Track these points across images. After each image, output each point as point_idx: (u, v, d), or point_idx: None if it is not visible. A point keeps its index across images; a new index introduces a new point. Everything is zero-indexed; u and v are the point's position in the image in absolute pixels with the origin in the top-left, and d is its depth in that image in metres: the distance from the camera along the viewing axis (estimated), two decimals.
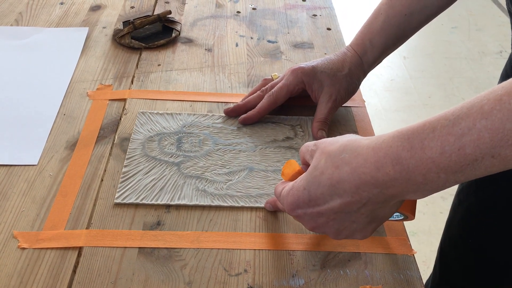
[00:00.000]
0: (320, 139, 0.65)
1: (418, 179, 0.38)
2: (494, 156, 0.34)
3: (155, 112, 0.67)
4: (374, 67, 0.70)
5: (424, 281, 0.73)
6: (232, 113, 0.67)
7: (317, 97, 0.67)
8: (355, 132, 0.67)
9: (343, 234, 0.45)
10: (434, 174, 0.37)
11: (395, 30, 0.66)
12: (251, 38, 0.85)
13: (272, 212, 0.55)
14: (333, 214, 0.43)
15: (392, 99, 2.12)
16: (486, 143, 0.34)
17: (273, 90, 0.66)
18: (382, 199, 0.41)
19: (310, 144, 0.47)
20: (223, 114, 0.68)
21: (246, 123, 0.66)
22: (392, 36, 0.66)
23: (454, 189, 0.81)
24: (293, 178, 0.48)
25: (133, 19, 0.83)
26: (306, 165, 0.48)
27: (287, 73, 0.67)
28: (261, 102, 0.66)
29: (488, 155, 0.34)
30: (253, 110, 0.66)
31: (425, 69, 2.32)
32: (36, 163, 0.60)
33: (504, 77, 0.74)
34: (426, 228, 1.56)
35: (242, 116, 0.66)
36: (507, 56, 2.50)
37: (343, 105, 0.71)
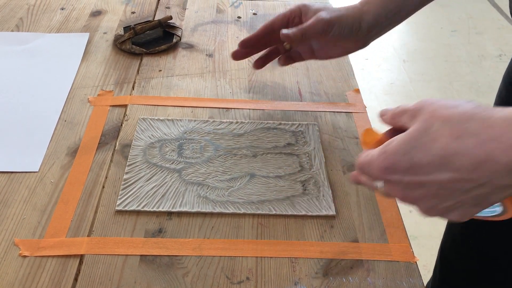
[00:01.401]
0: (285, 36, 0.64)
1: None
2: None
3: (156, 118, 0.67)
4: (377, 27, 0.65)
5: (425, 284, 0.73)
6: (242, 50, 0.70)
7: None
8: (357, 138, 0.67)
9: (438, 212, 0.40)
10: None
11: None
12: None
13: (274, 219, 0.55)
14: (436, 189, 0.38)
15: (392, 103, 2.12)
16: None
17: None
18: (505, 184, 0.36)
19: (407, 105, 0.41)
20: (224, 120, 0.68)
21: (244, 46, 0.69)
22: None
23: None
24: (376, 146, 0.43)
25: (134, 25, 0.83)
26: (397, 130, 0.42)
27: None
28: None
29: None
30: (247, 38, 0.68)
31: (425, 72, 2.32)
32: (37, 170, 0.59)
33: (506, 79, 0.74)
34: (426, 232, 1.56)
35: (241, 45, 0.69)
36: (506, 59, 2.50)
37: (345, 111, 0.71)
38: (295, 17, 0.66)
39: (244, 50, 0.70)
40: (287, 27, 0.66)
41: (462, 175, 0.36)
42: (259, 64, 0.72)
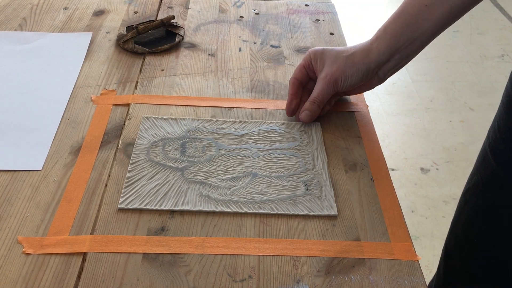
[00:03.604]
0: (303, 119, 0.67)
1: None
2: None
3: (159, 117, 0.68)
4: (391, 62, 0.64)
5: (427, 284, 0.73)
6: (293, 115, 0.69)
7: (317, 76, 0.67)
8: (359, 137, 0.67)
9: None
10: None
11: (412, 20, 0.61)
12: (254, 43, 0.85)
13: (276, 217, 0.55)
14: None
15: (394, 103, 2.12)
16: None
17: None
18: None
19: None
20: (227, 119, 0.68)
21: (296, 118, 0.69)
22: (408, 26, 0.61)
23: (458, 192, 0.81)
24: None
25: (137, 24, 0.83)
26: None
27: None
28: (289, 90, 0.69)
29: None
30: (288, 102, 0.68)
31: (427, 72, 2.32)
32: (40, 168, 0.60)
33: None
34: (428, 232, 1.56)
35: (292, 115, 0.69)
36: (509, 59, 2.50)
37: (347, 110, 0.71)
38: (309, 64, 0.68)
39: (294, 109, 0.69)
40: (307, 74, 0.69)
41: None
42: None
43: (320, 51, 0.67)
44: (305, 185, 0.59)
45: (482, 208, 0.75)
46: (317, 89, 0.66)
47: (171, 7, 0.94)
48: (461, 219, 0.80)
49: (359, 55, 0.64)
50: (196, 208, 0.56)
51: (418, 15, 0.61)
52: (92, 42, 0.83)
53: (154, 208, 0.55)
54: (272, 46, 0.85)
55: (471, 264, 0.79)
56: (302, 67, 0.69)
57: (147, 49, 0.80)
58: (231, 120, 0.68)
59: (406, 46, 0.63)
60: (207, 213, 0.56)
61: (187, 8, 0.94)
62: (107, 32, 0.86)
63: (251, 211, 0.56)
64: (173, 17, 0.85)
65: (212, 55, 0.82)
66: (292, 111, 0.68)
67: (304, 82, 0.69)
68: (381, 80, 0.67)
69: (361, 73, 0.65)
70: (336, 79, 0.64)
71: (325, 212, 0.56)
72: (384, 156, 0.65)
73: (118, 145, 0.64)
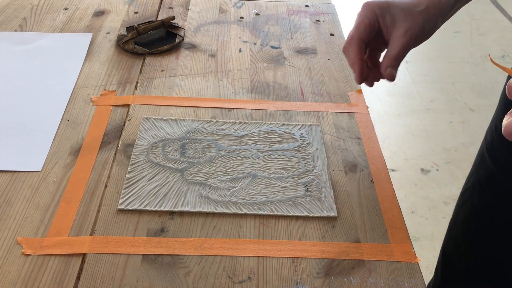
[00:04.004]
0: (388, 77, 0.60)
1: None
2: None
3: (159, 118, 0.67)
4: (454, 11, 0.62)
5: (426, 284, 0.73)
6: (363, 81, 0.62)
7: (389, 32, 0.61)
8: (359, 138, 0.67)
9: None
10: None
11: None
12: (254, 43, 0.85)
13: (276, 219, 0.55)
14: None
15: (394, 104, 2.12)
16: None
17: (350, 33, 0.61)
18: None
19: None
20: (227, 121, 0.68)
21: (366, 82, 0.61)
22: None
23: (458, 193, 0.81)
24: None
25: (137, 25, 0.83)
26: None
27: (360, 10, 0.62)
28: (350, 52, 0.61)
29: None
30: (352, 65, 0.61)
31: (428, 73, 2.32)
32: (40, 169, 0.60)
33: None
34: (428, 233, 1.56)
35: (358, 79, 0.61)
36: (509, 60, 2.49)
37: (347, 111, 0.71)
38: (375, 21, 0.61)
39: (364, 74, 0.62)
40: (371, 35, 0.61)
41: None
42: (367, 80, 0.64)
43: (385, 5, 0.60)
44: (305, 187, 0.59)
45: (479, 208, 0.75)
46: (398, 46, 0.59)
47: (171, 8, 0.94)
48: (458, 219, 0.80)
49: (433, 8, 0.60)
50: (196, 209, 0.55)
51: None
52: (92, 42, 0.83)
53: (153, 209, 0.55)
54: (272, 47, 0.85)
55: (469, 264, 0.79)
56: (366, 26, 0.61)
57: (147, 50, 0.80)
58: (231, 121, 0.68)
59: None
60: (206, 214, 0.55)
61: (187, 8, 0.94)
62: (107, 33, 0.86)
63: (250, 212, 0.56)
64: (173, 18, 0.85)
65: (212, 56, 0.82)
66: (366, 77, 0.61)
67: (367, 42, 0.62)
68: (444, 19, 0.63)
69: (437, 27, 0.61)
70: (418, 35, 0.60)
71: (325, 214, 0.56)
72: (384, 156, 0.65)
73: (118, 146, 0.64)
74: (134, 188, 0.58)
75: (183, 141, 0.64)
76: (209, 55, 0.82)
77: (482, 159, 0.73)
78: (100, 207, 0.56)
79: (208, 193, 0.57)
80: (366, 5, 0.62)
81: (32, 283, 0.48)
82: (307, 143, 0.65)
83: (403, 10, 0.60)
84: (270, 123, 0.68)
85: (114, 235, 0.53)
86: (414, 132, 1.97)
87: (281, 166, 0.62)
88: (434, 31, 0.62)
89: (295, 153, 0.63)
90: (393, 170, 1.77)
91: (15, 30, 0.85)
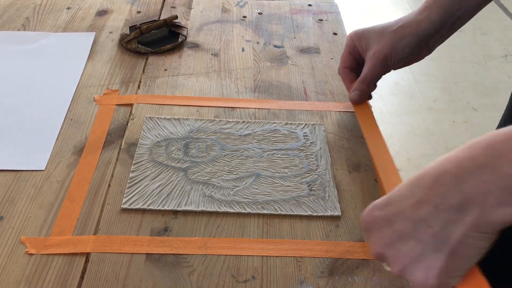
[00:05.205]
0: (353, 99, 0.64)
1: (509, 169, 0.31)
2: None
3: (163, 117, 0.67)
4: (442, 30, 0.62)
5: None
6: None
7: (365, 57, 0.64)
8: (362, 138, 0.67)
9: (404, 263, 0.38)
10: None
11: None
12: (257, 43, 0.85)
13: (280, 218, 0.55)
14: (400, 222, 0.37)
15: (397, 103, 2.12)
16: None
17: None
18: (456, 203, 0.34)
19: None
20: (231, 120, 0.68)
21: (359, 102, 0.66)
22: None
23: None
24: None
25: (140, 24, 0.83)
26: None
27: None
28: (341, 78, 0.68)
29: None
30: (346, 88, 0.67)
31: (430, 73, 2.31)
32: (43, 169, 0.60)
33: None
34: None
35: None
36: None
37: (350, 110, 0.71)
38: (353, 48, 0.65)
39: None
40: (355, 59, 0.66)
41: (419, 195, 0.36)
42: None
43: (360, 31, 0.64)
44: (308, 186, 0.59)
45: None
46: (366, 68, 0.62)
47: (174, 7, 0.94)
48: None
49: (409, 27, 0.61)
50: (199, 209, 0.55)
51: None
52: (95, 42, 0.83)
53: (157, 208, 0.55)
54: (275, 46, 0.84)
55: None
56: (347, 54, 0.66)
57: (150, 49, 0.80)
58: (234, 120, 0.68)
59: (459, 13, 0.61)
60: (210, 213, 0.55)
61: (190, 8, 0.94)
62: (110, 32, 0.86)
63: (254, 211, 0.56)
64: (176, 17, 0.85)
65: (215, 55, 0.82)
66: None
67: (354, 68, 0.67)
68: (429, 51, 0.64)
69: (412, 46, 0.62)
70: (386, 55, 0.61)
71: (329, 213, 0.56)
72: None
73: (121, 145, 0.63)
74: (137, 187, 0.57)
75: (186, 140, 0.64)
76: (212, 54, 0.82)
77: None
78: (103, 206, 0.56)
79: (212, 192, 0.57)
80: (348, 35, 0.66)
81: (36, 282, 0.48)
82: (310, 142, 0.65)
83: (377, 33, 0.62)
84: (274, 122, 0.68)
85: (118, 235, 0.53)
86: (417, 132, 1.97)
87: (285, 165, 0.61)
88: (415, 48, 0.62)
89: (299, 152, 0.63)
90: None
91: (18, 30, 0.85)
